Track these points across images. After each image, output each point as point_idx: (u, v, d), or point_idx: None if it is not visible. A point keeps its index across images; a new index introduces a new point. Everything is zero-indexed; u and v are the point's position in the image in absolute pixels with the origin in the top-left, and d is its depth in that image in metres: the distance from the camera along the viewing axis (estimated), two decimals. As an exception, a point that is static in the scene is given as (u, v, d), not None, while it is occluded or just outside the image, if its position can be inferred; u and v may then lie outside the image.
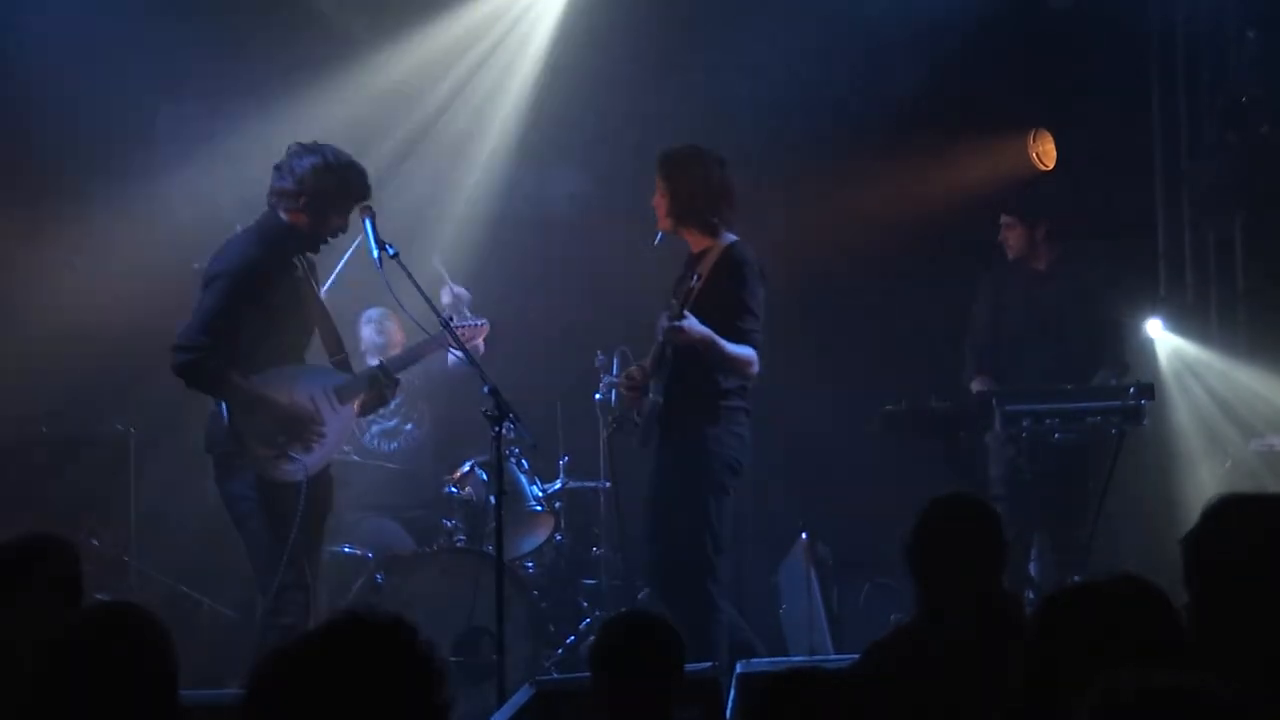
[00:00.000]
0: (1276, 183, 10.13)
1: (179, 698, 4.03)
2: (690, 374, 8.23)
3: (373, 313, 10.60)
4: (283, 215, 8.09)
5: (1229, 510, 4.31)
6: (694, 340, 8.09)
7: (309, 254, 8.27)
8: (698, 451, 8.24)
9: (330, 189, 8.05)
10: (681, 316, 7.97)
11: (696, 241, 8.48)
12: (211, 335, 7.87)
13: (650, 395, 8.30)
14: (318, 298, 8.34)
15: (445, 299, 10.03)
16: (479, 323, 8.71)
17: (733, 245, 8.41)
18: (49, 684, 3.94)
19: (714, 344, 8.11)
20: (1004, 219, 10.06)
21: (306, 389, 8.09)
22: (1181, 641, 3.68)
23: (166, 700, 3.95)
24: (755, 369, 8.28)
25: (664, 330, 8.05)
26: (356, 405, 8.31)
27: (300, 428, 7.99)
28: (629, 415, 8.64)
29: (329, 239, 8.23)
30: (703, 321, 8.05)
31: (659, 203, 8.49)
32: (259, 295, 7.97)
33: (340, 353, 8.40)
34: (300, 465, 7.93)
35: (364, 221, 7.97)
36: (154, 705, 3.93)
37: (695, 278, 8.06)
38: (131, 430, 10.20)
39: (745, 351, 8.22)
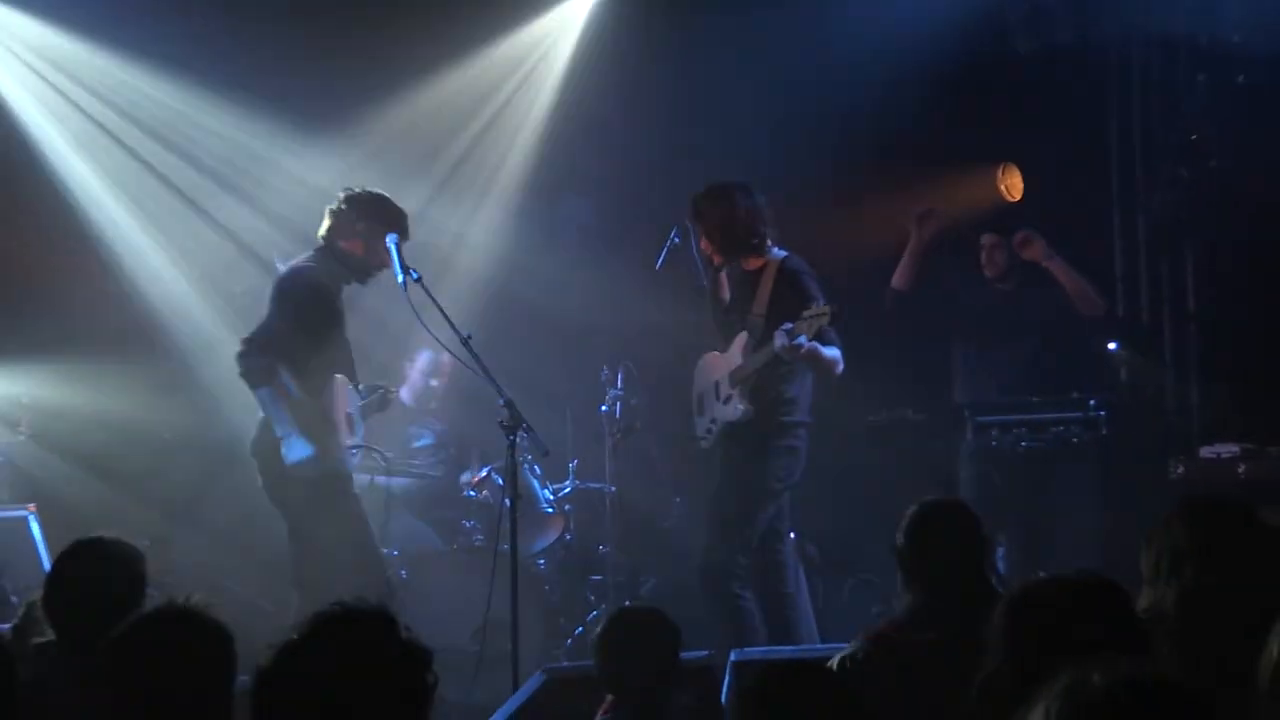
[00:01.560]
0: (1224, 214, 10.13)
1: (234, 689, 4.03)
2: (769, 390, 8.29)
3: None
4: (341, 244, 8.28)
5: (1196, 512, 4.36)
6: (806, 357, 8.13)
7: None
8: (753, 467, 8.35)
9: (376, 212, 8.28)
10: (813, 335, 7.96)
11: (749, 262, 8.51)
12: (272, 343, 8.07)
13: (740, 405, 8.32)
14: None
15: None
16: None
17: (786, 260, 8.48)
18: (121, 674, 3.98)
19: (818, 356, 8.17)
20: (989, 238, 10.04)
21: (352, 399, 8.39)
22: (1140, 634, 3.68)
23: (223, 692, 3.95)
24: (841, 366, 8.35)
25: (783, 348, 7.99)
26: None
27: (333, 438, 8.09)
28: (697, 433, 8.75)
29: (376, 271, 8.37)
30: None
31: (704, 244, 8.51)
32: (316, 316, 8.20)
33: (356, 379, 8.54)
34: (347, 463, 8.24)
35: (390, 247, 7.99)
36: (211, 696, 3.95)
37: (813, 301, 8.01)
38: (177, 437, 10.23)
39: (836, 353, 8.29)
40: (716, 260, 8.59)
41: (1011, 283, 10.01)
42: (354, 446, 8.39)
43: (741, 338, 8.42)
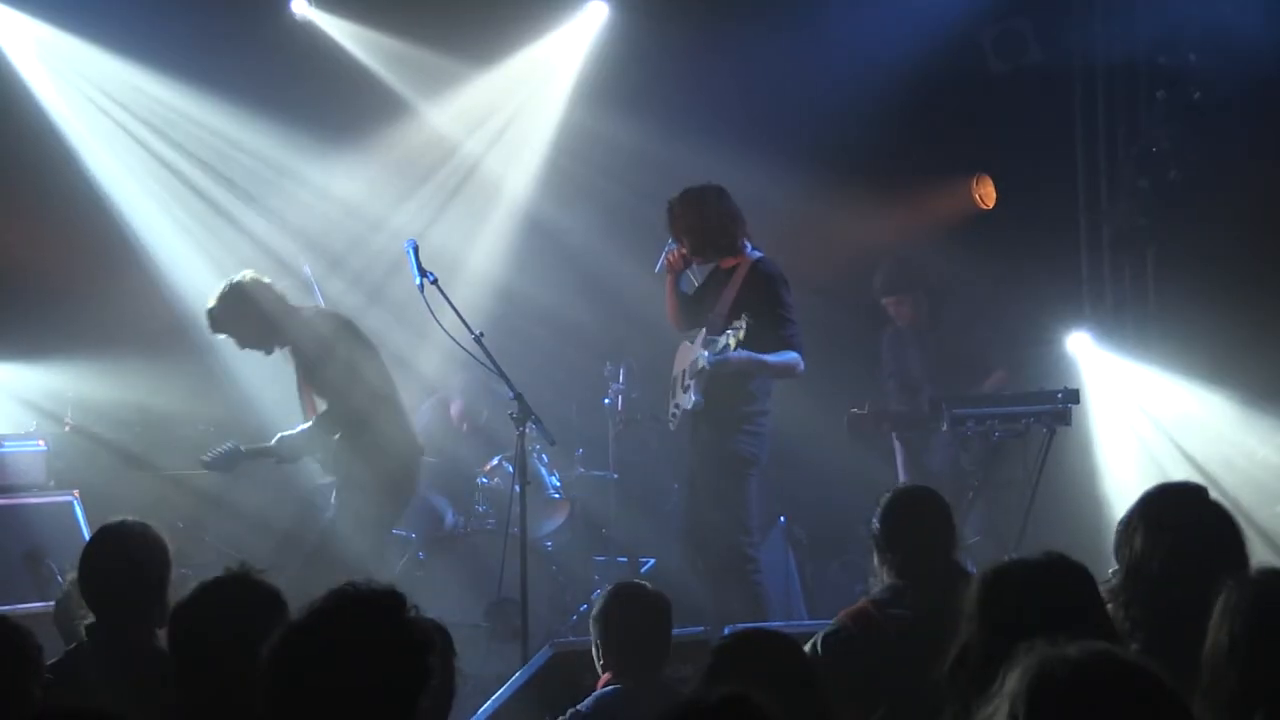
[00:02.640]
0: (1181, 221, 10.13)
1: None
2: (724, 383, 8.25)
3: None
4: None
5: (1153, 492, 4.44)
6: (736, 369, 8.09)
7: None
8: (719, 450, 8.30)
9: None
10: (723, 355, 7.93)
11: (724, 261, 8.50)
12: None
13: (693, 396, 8.30)
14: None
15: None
16: None
17: (758, 262, 8.44)
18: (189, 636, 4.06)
19: (759, 364, 8.10)
20: (888, 300, 10.13)
21: None
22: (1102, 610, 3.71)
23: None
24: (801, 368, 8.30)
25: (709, 364, 7.99)
26: None
27: None
28: (666, 414, 8.71)
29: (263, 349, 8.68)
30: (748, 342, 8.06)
31: (679, 244, 8.49)
32: None
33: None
34: None
35: (408, 252, 7.97)
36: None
37: (739, 322, 7.90)
38: (211, 429, 10.26)
39: (788, 357, 8.21)
40: (694, 261, 8.57)
41: (926, 321, 10.12)
42: None
43: (702, 334, 8.40)
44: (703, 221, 8.41)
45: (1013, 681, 2.55)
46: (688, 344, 8.69)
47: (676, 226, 8.49)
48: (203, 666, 3.99)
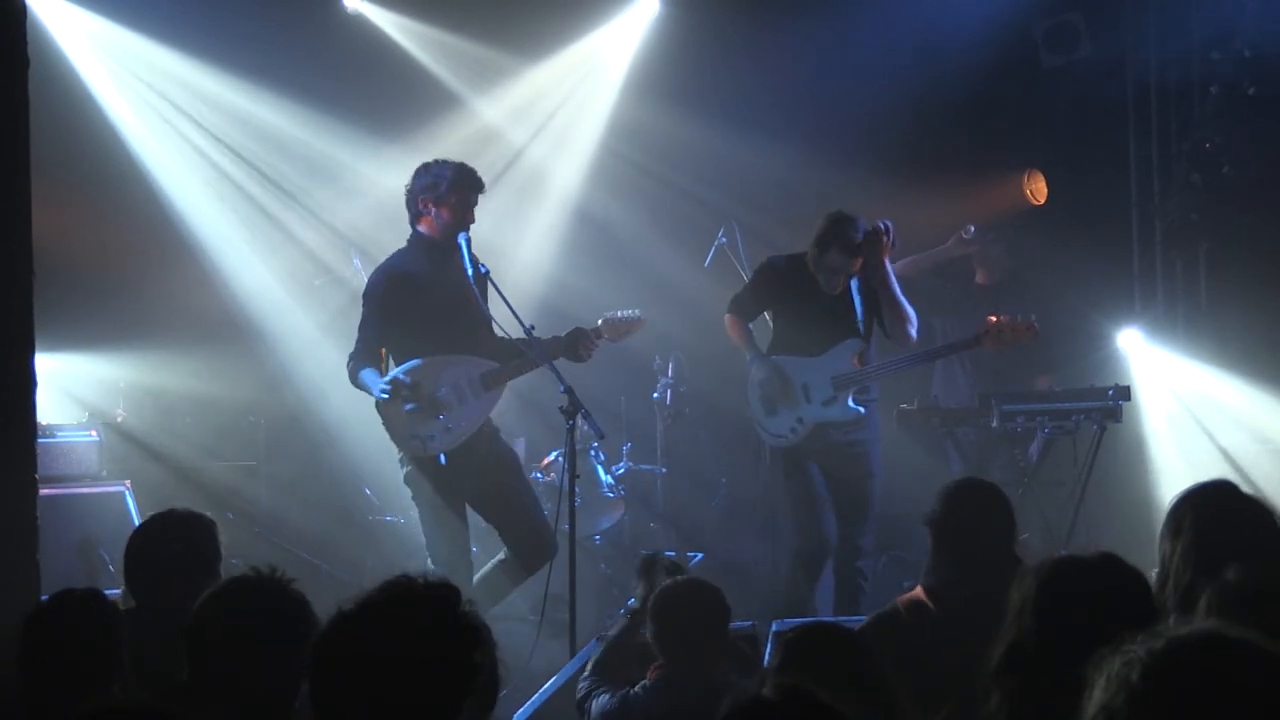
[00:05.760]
0: (1235, 216, 10.08)
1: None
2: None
3: None
4: (420, 228, 8.10)
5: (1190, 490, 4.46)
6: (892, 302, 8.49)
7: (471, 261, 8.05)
8: (873, 451, 8.53)
9: (431, 184, 8.01)
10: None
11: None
12: (356, 345, 7.99)
13: (850, 405, 8.39)
14: (477, 297, 8.06)
15: None
16: (634, 315, 8.53)
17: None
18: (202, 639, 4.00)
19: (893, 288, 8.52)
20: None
21: (451, 376, 7.97)
22: (1152, 608, 3.71)
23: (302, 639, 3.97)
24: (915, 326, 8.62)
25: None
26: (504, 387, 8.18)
27: (429, 411, 7.92)
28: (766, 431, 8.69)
29: (462, 228, 8.02)
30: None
31: (858, 268, 8.47)
32: (397, 304, 7.96)
33: (495, 346, 8.18)
34: (436, 444, 7.93)
35: (460, 243, 7.97)
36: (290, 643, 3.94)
37: None
38: (263, 421, 10.31)
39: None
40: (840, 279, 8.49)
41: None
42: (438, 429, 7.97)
43: (852, 344, 8.40)
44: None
45: (1115, 663, 2.55)
46: (794, 360, 8.55)
47: (859, 252, 8.42)
48: (216, 669, 3.93)
